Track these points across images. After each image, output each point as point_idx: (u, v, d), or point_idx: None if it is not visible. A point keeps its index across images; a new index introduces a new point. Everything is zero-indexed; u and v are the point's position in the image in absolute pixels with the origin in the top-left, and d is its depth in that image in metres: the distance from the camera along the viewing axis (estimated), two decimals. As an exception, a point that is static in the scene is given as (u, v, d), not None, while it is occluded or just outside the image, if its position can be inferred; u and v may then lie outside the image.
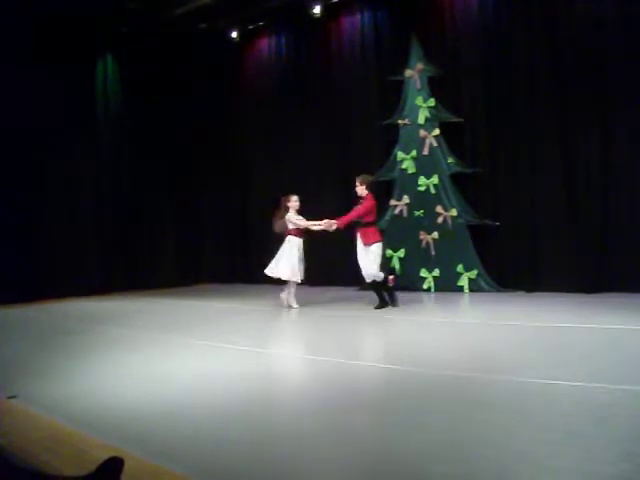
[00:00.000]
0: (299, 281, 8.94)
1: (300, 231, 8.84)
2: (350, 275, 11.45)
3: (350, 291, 10.88)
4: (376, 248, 8.30)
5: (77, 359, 5.89)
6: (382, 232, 8.97)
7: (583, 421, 3.48)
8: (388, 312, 8.19)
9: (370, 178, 8.70)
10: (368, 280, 8.43)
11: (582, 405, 3.78)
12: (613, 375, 4.40)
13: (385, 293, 8.50)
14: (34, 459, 3.18)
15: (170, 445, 3.43)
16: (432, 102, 10.37)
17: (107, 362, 5.71)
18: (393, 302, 8.48)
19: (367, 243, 8.27)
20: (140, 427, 3.77)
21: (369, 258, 8.26)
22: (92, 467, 2.59)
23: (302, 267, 8.82)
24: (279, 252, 8.87)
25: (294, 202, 8.92)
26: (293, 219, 8.83)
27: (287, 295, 9.01)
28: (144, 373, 5.24)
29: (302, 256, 8.83)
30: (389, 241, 10.67)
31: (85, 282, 11.87)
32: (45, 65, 11.19)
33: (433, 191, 10.29)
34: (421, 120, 10.43)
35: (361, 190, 8.43)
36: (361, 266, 8.44)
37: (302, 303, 9.03)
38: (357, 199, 8.56)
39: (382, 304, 8.41)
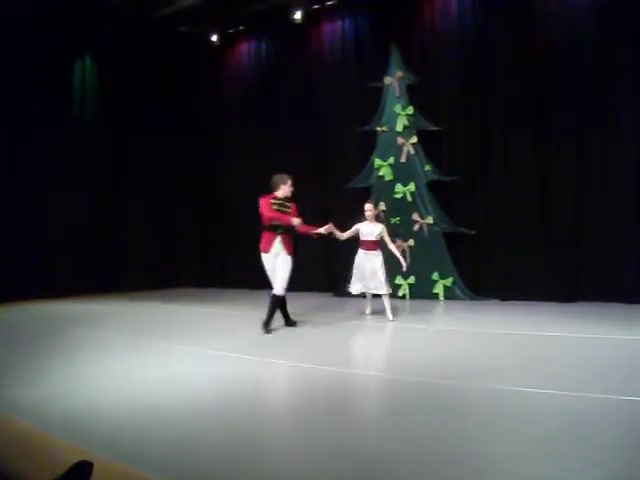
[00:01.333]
0: (353, 292, 8.19)
1: (365, 243, 7.98)
2: (322, 280, 11.56)
3: (324, 297, 10.92)
4: (291, 259, 7.44)
5: (53, 361, 5.81)
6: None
7: (555, 428, 3.51)
8: (362, 319, 8.20)
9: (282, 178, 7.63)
10: (275, 291, 7.41)
11: (554, 413, 3.82)
12: (585, 383, 4.45)
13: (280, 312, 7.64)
14: (1, 462, 3.12)
15: (144, 449, 3.40)
16: (410, 110, 10.44)
17: (84, 365, 5.63)
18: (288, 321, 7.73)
19: (290, 252, 7.43)
20: (114, 430, 3.73)
21: (286, 269, 7.38)
22: (61, 471, 2.55)
23: (369, 279, 7.90)
24: None
25: (365, 211, 8.07)
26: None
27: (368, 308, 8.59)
28: (121, 377, 5.18)
29: (371, 267, 7.86)
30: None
31: (59, 284, 11.69)
32: (23, 63, 11.06)
33: (410, 198, 10.35)
34: (399, 127, 10.49)
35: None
36: (274, 276, 7.40)
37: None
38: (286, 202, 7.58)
39: (269, 326, 7.34)
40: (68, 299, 11.34)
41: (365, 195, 10.87)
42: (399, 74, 10.57)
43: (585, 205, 9.03)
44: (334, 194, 11.43)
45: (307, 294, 11.21)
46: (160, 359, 5.88)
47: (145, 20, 12.59)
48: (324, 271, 11.67)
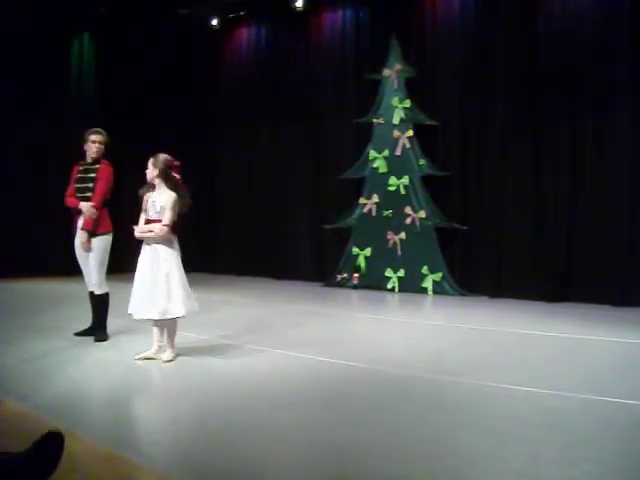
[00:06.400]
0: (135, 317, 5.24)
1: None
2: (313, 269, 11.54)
3: (314, 287, 10.91)
4: (104, 242, 5.97)
5: (35, 341, 5.80)
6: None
7: (534, 426, 3.52)
8: (350, 310, 8.19)
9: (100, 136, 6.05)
10: (96, 291, 5.95)
11: (534, 410, 3.83)
12: (567, 382, 4.47)
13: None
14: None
15: (118, 429, 3.40)
16: (408, 103, 10.39)
17: (65, 344, 5.63)
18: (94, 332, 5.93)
19: (94, 233, 5.93)
20: (90, 410, 3.72)
21: (94, 257, 5.89)
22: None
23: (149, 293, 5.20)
24: None
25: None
26: None
27: None
28: (103, 357, 5.18)
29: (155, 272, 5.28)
30: (356, 239, 10.73)
31: (52, 262, 11.64)
32: (20, 40, 10.96)
33: (403, 192, 10.32)
34: (396, 120, 10.45)
35: (96, 148, 5.99)
36: (85, 271, 6.04)
37: (264, 298, 8.99)
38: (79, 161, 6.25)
39: (103, 334, 5.90)
40: (61, 278, 11.30)
41: (359, 186, 10.87)
42: (398, 67, 10.51)
43: (579, 205, 9.00)
44: (327, 183, 11.42)
45: (297, 283, 11.23)
46: (143, 341, 5.86)
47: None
48: (314, 260, 11.68)
